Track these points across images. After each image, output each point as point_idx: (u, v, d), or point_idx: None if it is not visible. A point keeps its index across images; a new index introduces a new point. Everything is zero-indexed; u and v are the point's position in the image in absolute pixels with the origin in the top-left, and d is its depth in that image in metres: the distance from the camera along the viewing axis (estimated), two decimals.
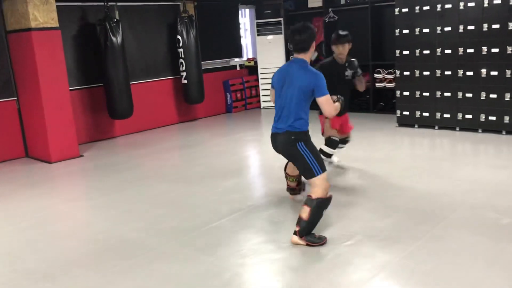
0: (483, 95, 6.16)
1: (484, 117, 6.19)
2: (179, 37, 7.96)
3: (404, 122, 6.97)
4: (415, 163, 5.16)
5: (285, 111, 3.43)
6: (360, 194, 4.31)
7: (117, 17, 7.26)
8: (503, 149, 5.59)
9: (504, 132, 6.08)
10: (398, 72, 6.93)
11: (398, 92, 6.99)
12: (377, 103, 8.29)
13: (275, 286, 2.86)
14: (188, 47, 8.01)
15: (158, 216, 4.11)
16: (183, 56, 8.03)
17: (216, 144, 6.80)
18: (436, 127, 6.64)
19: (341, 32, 4.83)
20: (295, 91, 3.39)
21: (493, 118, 6.11)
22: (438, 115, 6.59)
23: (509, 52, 5.86)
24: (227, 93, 9.27)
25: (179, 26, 7.93)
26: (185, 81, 8.11)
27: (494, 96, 6.07)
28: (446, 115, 6.50)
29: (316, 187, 3.34)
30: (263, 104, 9.60)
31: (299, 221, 3.30)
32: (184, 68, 8.07)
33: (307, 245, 3.27)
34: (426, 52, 6.56)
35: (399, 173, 4.86)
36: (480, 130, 6.27)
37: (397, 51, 6.86)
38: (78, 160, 6.28)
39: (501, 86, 5.99)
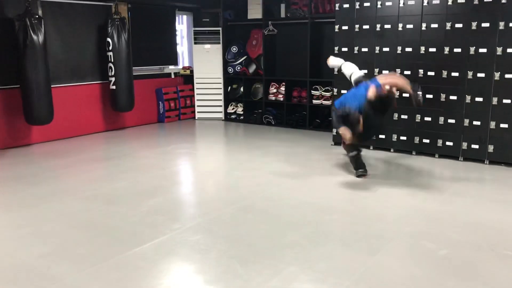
0: (417, 117, 6.18)
1: (418, 139, 6.20)
2: (109, 39, 7.42)
3: (339, 141, 6.83)
4: (345, 185, 5.00)
5: None
6: (293, 216, 4.05)
7: (40, 13, 6.63)
8: (436, 173, 5.58)
9: (437, 156, 6.11)
10: (335, 90, 6.83)
11: None
12: (314, 120, 8.17)
13: None
14: (119, 51, 7.49)
15: (71, 239, 3.62)
16: (112, 60, 7.50)
17: (144, 157, 6.33)
18: (371, 147, 6.58)
19: None
20: None
21: (427, 141, 6.13)
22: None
23: (444, 76, 5.91)
24: (160, 102, 8.79)
25: (109, 28, 7.40)
26: (114, 87, 7.57)
27: (429, 119, 6.09)
28: (381, 136, 6.46)
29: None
30: (198, 115, 9.21)
31: None
32: (113, 73, 7.54)
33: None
34: (364, 71, 6.50)
35: (330, 195, 4.67)
36: (414, 153, 6.27)
37: (335, 69, 6.76)
38: None
39: (436, 109, 6.02)
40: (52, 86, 6.70)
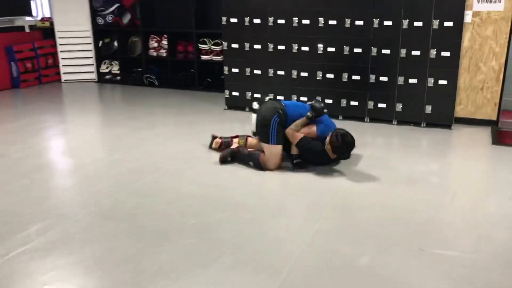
0: (319, 74, 5.38)
1: (320, 99, 5.42)
2: None
3: (234, 104, 5.92)
4: (241, 167, 4.09)
5: None
6: (171, 218, 3.06)
7: None
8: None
9: (341, 118, 5.40)
10: (225, 44, 5.79)
11: (226, 69, 5.87)
12: (204, 78, 7.09)
13: None
14: None
15: None
16: None
17: None
18: None
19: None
20: None
21: (330, 101, 5.37)
22: (271, 97, 5.64)
23: (347, 25, 5.11)
24: (12, 63, 7.12)
25: None
26: None
27: (331, 76, 5.32)
28: (280, 98, 5.59)
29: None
30: (64, 77, 7.69)
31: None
32: None
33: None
34: (257, 21, 5.52)
35: (222, 181, 3.74)
36: None
37: (224, 19, 5.69)
38: None
39: (339, 65, 5.26)
40: None
